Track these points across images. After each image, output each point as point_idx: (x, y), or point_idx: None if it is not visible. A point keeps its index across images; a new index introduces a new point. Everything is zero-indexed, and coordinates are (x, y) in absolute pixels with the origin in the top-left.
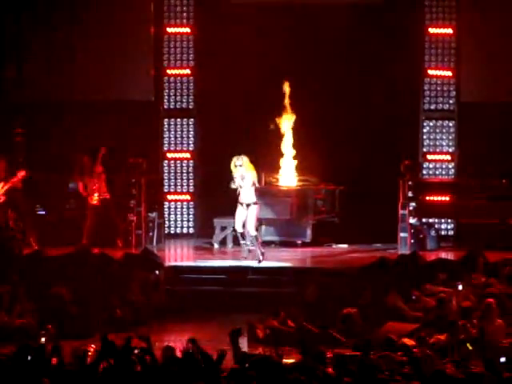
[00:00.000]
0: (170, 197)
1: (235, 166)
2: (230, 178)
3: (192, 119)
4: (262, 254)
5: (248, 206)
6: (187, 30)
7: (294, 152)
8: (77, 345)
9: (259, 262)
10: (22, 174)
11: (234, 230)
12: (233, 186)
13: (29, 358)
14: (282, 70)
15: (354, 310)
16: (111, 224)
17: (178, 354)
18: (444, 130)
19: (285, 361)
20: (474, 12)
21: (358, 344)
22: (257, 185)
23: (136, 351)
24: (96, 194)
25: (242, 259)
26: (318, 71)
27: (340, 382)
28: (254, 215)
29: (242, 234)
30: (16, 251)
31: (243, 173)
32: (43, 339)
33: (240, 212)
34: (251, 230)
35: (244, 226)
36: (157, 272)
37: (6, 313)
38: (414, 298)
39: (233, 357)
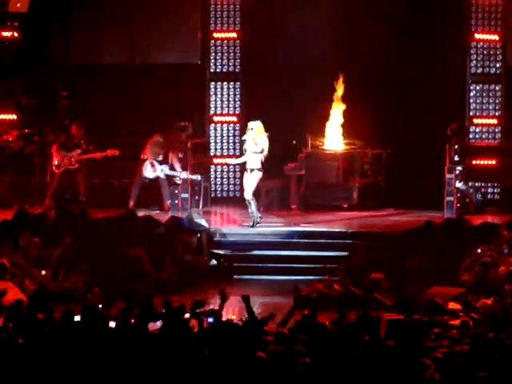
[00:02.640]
0: (216, 160)
1: (248, 130)
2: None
3: (238, 83)
4: (259, 218)
5: (252, 171)
6: None
7: (340, 115)
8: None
9: (253, 226)
10: (113, 152)
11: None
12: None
13: (76, 320)
14: (330, 32)
15: (381, 275)
16: (158, 187)
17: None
18: (491, 94)
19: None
20: None
21: (401, 306)
22: (265, 152)
23: (187, 315)
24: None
25: (247, 227)
26: (367, 33)
27: (385, 346)
28: (254, 181)
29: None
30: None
31: (255, 137)
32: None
33: (246, 178)
34: (247, 195)
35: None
36: (199, 235)
37: (53, 276)
38: (460, 261)
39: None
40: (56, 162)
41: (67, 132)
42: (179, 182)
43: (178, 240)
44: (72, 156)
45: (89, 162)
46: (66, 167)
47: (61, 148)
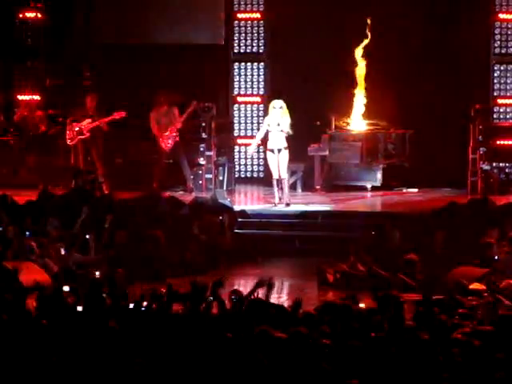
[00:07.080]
0: (240, 141)
1: (273, 108)
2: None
3: (262, 63)
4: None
5: (279, 151)
6: None
7: (364, 96)
8: (147, 288)
9: (287, 205)
10: (120, 114)
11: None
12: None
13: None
14: (354, 14)
15: (416, 256)
16: (181, 168)
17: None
18: None
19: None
20: None
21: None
22: (290, 132)
23: (209, 298)
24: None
25: (273, 205)
26: (390, 16)
27: (406, 326)
28: (286, 160)
29: (277, 181)
30: (97, 194)
31: (281, 116)
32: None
33: (272, 159)
34: (284, 174)
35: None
36: (223, 215)
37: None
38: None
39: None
40: (68, 136)
41: (82, 107)
42: (203, 162)
43: (201, 221)
44: (82, 125)
45: (109, 141)
46: (78, 138)
47: (73, 121)
